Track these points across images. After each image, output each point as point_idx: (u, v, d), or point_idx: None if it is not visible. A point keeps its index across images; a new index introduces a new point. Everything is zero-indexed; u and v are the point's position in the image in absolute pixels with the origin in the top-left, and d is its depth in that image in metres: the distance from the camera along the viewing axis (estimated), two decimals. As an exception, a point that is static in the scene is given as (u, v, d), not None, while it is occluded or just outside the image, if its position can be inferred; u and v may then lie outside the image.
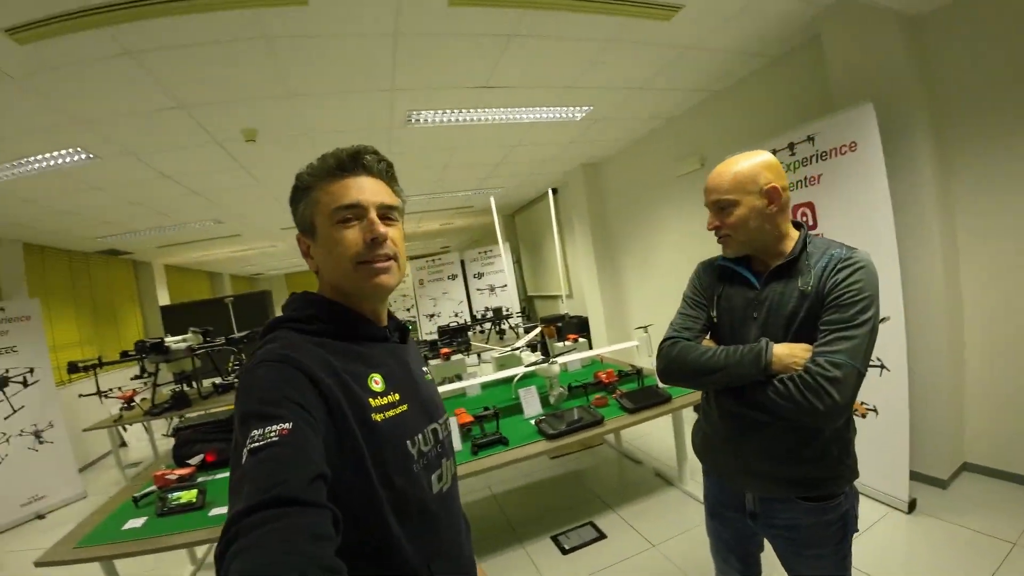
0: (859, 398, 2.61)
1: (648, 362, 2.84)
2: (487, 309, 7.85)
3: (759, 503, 1.27)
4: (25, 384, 4.39)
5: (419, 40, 2.46)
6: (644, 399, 2.62)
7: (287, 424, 0.64)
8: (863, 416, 2.58)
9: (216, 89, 2.63)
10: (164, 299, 8.29)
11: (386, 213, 0.86)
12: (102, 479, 4.98)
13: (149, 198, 4.41)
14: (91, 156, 3.15)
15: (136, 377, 4.41)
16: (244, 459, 0.62)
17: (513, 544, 2.74)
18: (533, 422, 2.54)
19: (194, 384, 4.68)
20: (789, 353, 1.09)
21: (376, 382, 0.82)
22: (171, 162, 3.60)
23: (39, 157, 3.03)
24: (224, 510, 2.03)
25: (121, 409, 4.42)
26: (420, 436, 0.85)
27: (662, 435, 3.75)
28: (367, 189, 0.84)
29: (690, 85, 3.66)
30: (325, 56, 2.47)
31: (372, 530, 0.76)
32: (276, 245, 8.52)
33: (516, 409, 2.79)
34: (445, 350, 3.64)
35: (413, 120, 3.51)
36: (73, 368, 4.00)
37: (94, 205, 4.32)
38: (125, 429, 5.74)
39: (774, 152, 2.86)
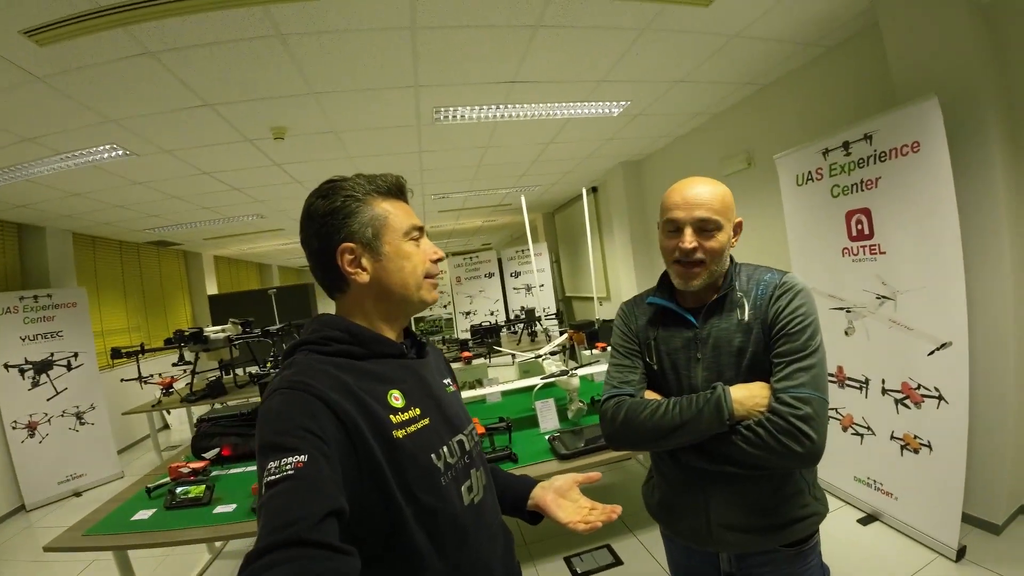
0: (913, 432, 2.34)
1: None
2: (522, 309, 7.73)
3: (735, 562, 1.13)
4: (69, 368, 4.62)
5: (438, 34, 2.35)
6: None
7: (302, 456, 0.66)
8: (915, 452, 2.29)
9: (240, 87, 2.62)
10: (212, 289, 8.58)
11: None
12: (141, 460, 5.22)
13: (191, 193, 4.52)
14: (128, 152, 3.22)
15: (175, 364, 4.55)
16: (263, 491, 0.65)
17: (524, 561, 2.61)
18: (547, 438, 2.40)
19: (232, 373, 4.80)
20: (749, 395, 1.01)
21: (396, 398, 0.83)
22: (207, 159, 3.65)
23: (76, 153, 3.10)
24: (229, 508, 2.04)
25: (161, 394, 4.59)
26: (445, 448, 0.85)
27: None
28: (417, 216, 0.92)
29: (735, 78, 3.39)
30: (342, 52, 2.40)
31: (397, 547, 0.77)
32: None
33: (533, 421, 2.64)
34: (466, 353, 3.55)
35: (441, 117, 3.42)
36: (116, 354, 4.16)
37: (139, 199, 4.45)
38: (169, 412, 5.99)
39: (826, 152, 2.61)
